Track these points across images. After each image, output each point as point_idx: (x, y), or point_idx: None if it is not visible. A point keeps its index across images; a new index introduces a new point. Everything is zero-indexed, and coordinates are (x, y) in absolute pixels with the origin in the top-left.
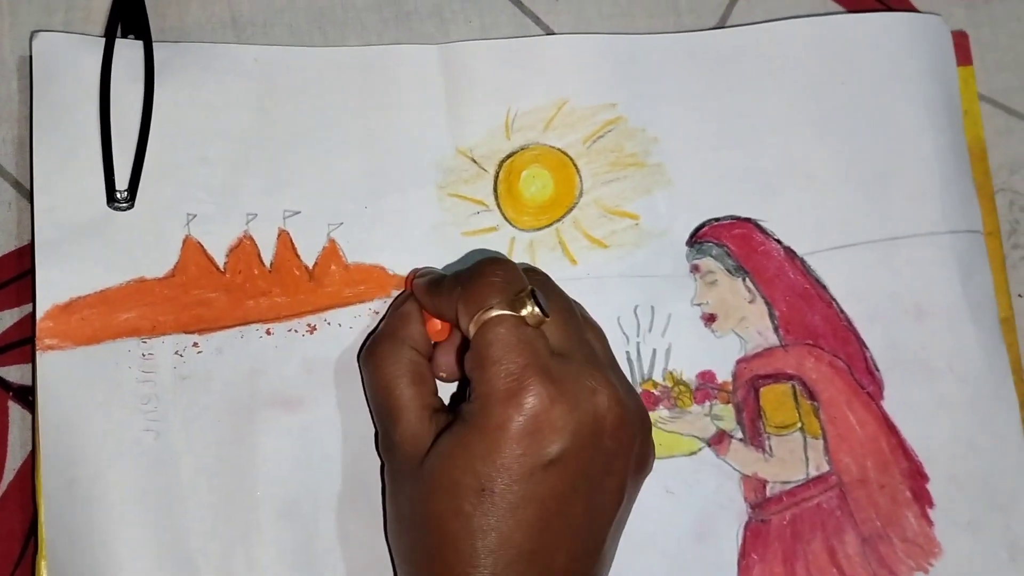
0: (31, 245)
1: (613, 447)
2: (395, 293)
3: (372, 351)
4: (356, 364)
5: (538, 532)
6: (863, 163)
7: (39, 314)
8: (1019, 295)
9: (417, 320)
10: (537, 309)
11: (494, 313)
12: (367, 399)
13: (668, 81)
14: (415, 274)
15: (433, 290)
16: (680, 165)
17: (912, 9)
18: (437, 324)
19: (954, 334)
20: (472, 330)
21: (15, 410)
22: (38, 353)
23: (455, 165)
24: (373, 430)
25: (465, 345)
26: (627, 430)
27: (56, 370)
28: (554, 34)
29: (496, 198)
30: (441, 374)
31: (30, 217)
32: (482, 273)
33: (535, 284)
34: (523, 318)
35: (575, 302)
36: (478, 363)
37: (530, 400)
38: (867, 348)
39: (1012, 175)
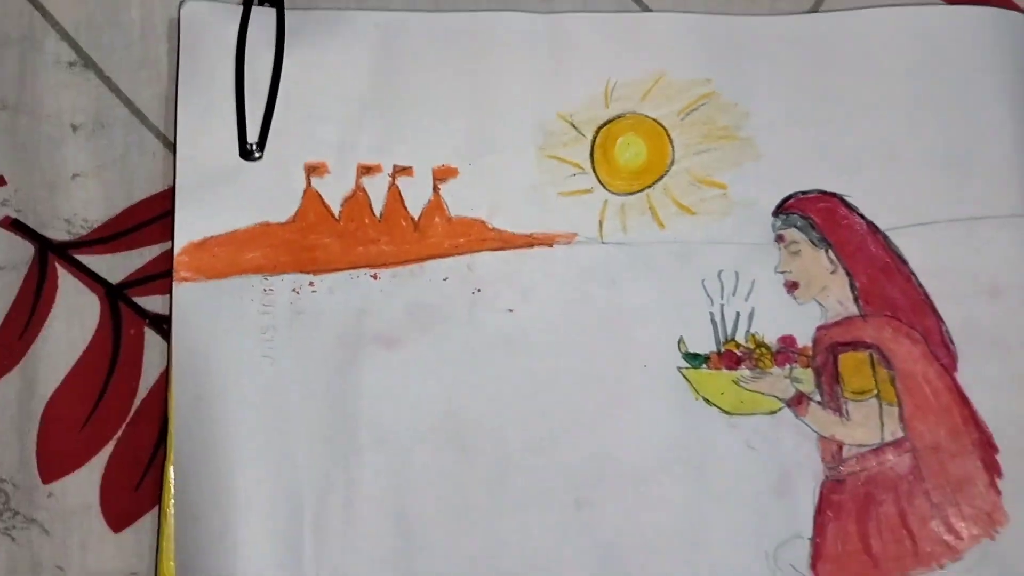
0: (172, 190)
1: None
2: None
3: None
4: (452, 311)
5: None
6: (946, 145)
7: (176, 249)
8: None
9: None
10: None
11: None
12: None
13: (761, 60)
14: None
15: None
16: (769, 140)
17: (1007, 1)
18: None
19: None
20: None
21: (150, 335)
22: (174, 284)
23: (555, 128)
24: (464, 368)
25: None
26: None
27: (189, 299)
28: (651, 11)
29: (592, 162)
30: None
31: (172, 167)
32: None
33: None
34: None
35: None
36: None
37: None
38: (943, 322)
39: None
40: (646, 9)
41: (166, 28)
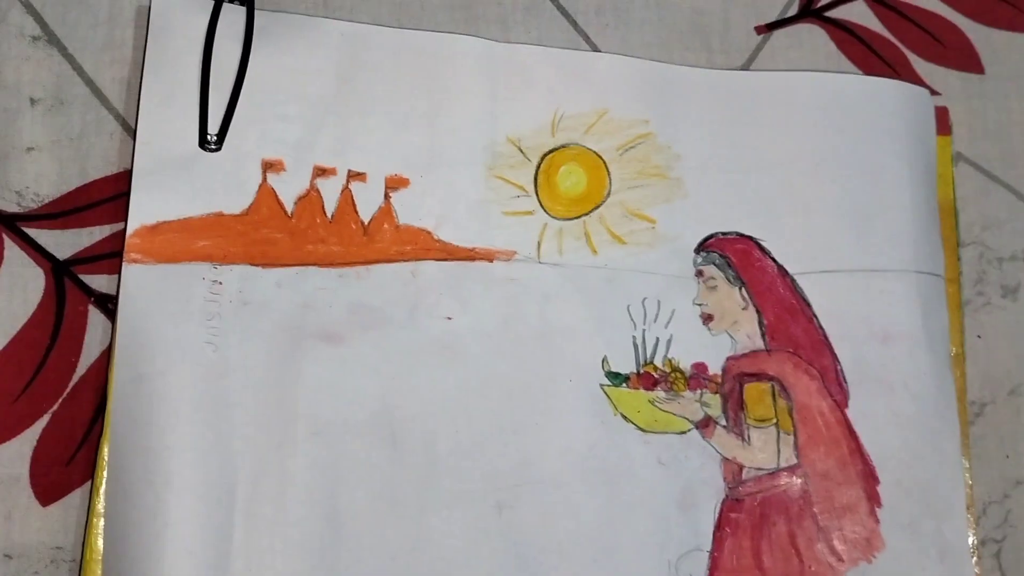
0: (128, 172)
1: None
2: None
3: None
4: (393, 314)
5: None
6: (852, 202)
7: (129, 231)
8: (978, 336)
9: None
10: None
11: None
12: None
13: (695, 108)
14: None
15: None
16: (697, 181)
17: (915, 76)
18: None
19: (912, 359)
20: None
21: (94, 314)
22: (124, 265)
23: (503, 151)
24: (401, 369)
25: None
26: None
27: (137, 280)
28: (599, 52)
29: (535, 186)
30: None
31: (129, 149)
32: None
33: None
34: None
35: None
36: None
37: None
38: (838, 362)
39: (983, 231)
40: (595, 49)
41: (134, 13)
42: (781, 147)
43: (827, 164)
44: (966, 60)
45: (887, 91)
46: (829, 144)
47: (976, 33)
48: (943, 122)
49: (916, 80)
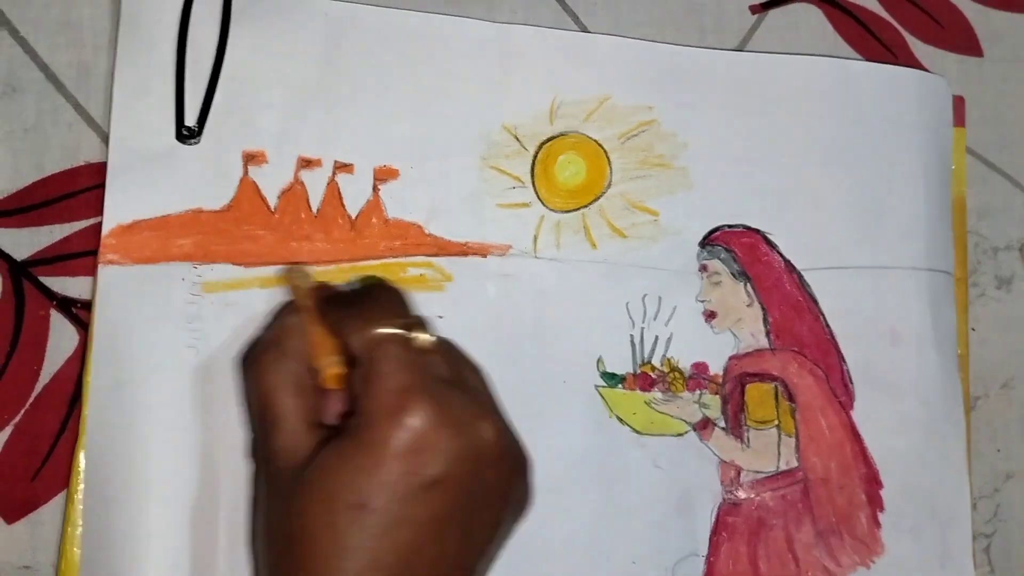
0: (90, 166)
1: (493, 479)
2: (425, 254)
3: (255, 358)
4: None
5: (409, 555)
6: (863, 196)
7: (104, 231)
8: (972, 328)
9: (304, 332)
10: (427, 336)
11: (386, 331)
12: (246, 405)
13: (702, 93)
14: (291, 271)
15: (325, 306)
16: (703, 172)
17: (913, 59)
18: (322, 339)
19: (920, 360)
20: (363, 346)
21: (57, 318)
22: (100, 266)
23: (499, 139)
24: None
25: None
26: (507, 463)
27: (114, 282)
28: (591, 33)
29: (532, 177)
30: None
31: (89, 141)
32: (377, 295)
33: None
34: (413, 339)
35: (455, 343)
36: (366, 377)
37: (415, 419)
38: (845, 362)
39: (980, 220)
40: (584, 30)
41: None
42: (793, 136)
43: (840, 156)
44: (965, 42)
45: (905, 81)
46: (843, 135)
47: (975, 14)
48: (959, 112)
49: (914, 64)
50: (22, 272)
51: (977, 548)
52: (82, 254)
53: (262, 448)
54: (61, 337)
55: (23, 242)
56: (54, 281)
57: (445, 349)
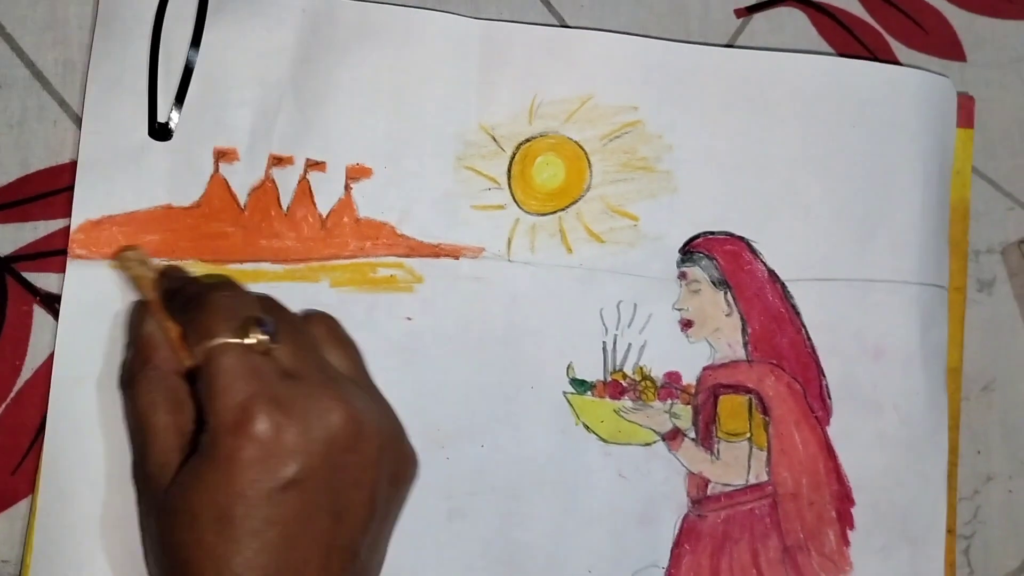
0: (71, 164)
1: (354, 460)
2: (396, 254)
3: (130, 380)
4: (350, 313)
5: (283, 551)
6: (855, 206)
7: (73, 226)
8: None
9: (164, 341)
10: (264, 336)
11: (218, 341)
12: (127, 427)
13: (690, 92)
14: (125, 258)
15: (170, 302)
16: (688, 175)
17: (896, 63)
18: (176, 336)
19: (905, 378)
20: (201, 358)
21: (40, 314)
22: (68, 261)
23: (475, 140)
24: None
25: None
26: (369, 443)
27: (81, 277)
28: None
29: (508, 178)
30: None
31: (74, 138)
32: (207, 301)
33: (264, 309)
34: (249, 345)
35: (331, 317)
36: (207, 393)
37: (259, 428)
38: (824, 376)
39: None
40: (563, 24)
41: None
42: (785, 140)
43: (834, 161)
44: (948, 47)
45: (908, 82)
46: (839, 139)
47: (959, 19)
48: (966, 112)
49: (899, 62)
50: (5, 268)
51: (957, 549)
52: (66, 251)
53: (139, 469)
54: (43, 333)
55: (7, 238)
56: (37, 277)
57: (290, 340)
